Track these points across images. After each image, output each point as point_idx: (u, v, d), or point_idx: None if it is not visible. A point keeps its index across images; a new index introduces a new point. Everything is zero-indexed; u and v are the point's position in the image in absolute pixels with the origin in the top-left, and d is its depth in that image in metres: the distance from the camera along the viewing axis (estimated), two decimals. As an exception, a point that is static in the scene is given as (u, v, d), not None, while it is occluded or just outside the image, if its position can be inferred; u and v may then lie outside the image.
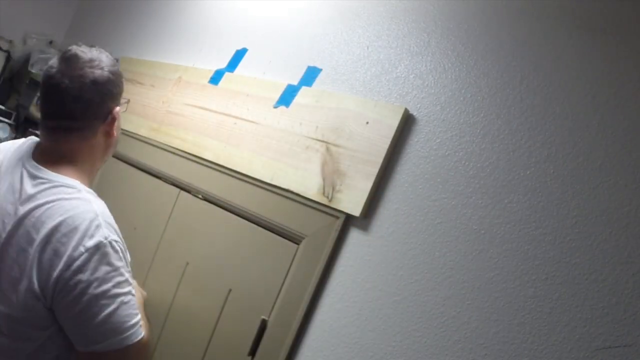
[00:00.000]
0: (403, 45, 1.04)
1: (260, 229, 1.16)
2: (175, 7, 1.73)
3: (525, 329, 0.77)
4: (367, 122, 1.01)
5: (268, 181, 1.15)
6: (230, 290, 1.17)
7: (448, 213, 0.89)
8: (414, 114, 0.98)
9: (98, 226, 0.88)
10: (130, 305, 0.90)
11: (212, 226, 1.27)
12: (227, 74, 1.38)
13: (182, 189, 1.39)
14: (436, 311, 0.86)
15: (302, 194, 1.07)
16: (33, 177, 0.93)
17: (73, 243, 0.85)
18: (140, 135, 1.58)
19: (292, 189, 1.09)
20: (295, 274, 1.05)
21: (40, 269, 0.85)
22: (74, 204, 0.90)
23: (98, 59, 0.99)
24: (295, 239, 1.08)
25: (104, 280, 0.87)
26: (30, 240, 0.87)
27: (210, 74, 1.42)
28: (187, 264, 1.29)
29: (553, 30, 0.86)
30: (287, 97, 1.19)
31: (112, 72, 1.00)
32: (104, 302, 0.86)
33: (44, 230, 0.86)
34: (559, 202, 0.79)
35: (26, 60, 2.12)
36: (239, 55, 1.39)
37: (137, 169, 1.57)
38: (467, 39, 0.95)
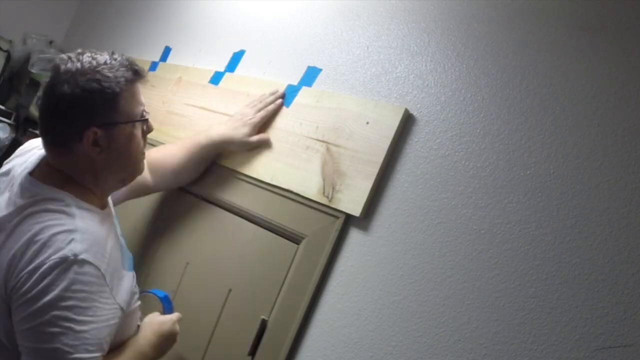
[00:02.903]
0: (403, 45, 1.04)
1: (260, 229, 1.16)
2: (176, 7, 1.73)
3: (525, 329, 0.77)
4: (367, 122, 1.01)
5: (268, 181, 1.15)
6: (230, 290, 1.17)
7: (448, 213, 0.89)
8: (414, 114, 0.98)
9: (71, 240, 0.81)
10: (81, 338, 0.79)
11: (212, 226, 1.27)
12: (227, 74, 1.39)
13: (182, 189, 1.39)
14: (436, 311, 0.86)
15: (302, 194, 1.07)
16: (25, 189, 0.90)
17: (38, 254, 0.80)
18: (140, 135, 1.57)
19: (292, 189, 1.09)
20: (295, 274, 1.05)
21: (6, 277, 0.82)
22: (54, 216, 0.85)
23: (75, 70, 0.87)
24: (295, 239, 1.08)
25: (57, 298, 0.78)
26: (9, 250, 0.83)
27: (211, 74, 1.42)
28: (187, 264, 1.29)
29: (553, 30, 0.86)
30: (287, 97, 1.19)
31: (82, 88, 0.86)
32: (48, 324, 0.78)
33: (19, 241, 0.82)
34: (559, 202, 0.79)
35: (26, 60, 2.12)
36: (237, 57, 1.39)
37: (137, 169, 1.57)
38: (467, 39, 0.95)
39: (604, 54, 0.80)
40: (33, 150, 1.00)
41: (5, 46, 2.13)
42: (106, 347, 0.86)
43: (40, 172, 0.92)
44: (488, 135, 0.88)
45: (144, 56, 1.75)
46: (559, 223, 0.78)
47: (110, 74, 0.89)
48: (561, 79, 0.83)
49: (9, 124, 2.13)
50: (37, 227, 0.82)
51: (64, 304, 0.79)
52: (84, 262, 0.81)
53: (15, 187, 0.91)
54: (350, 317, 0.96)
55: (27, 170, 0.93)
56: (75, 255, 0.80)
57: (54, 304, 0.78)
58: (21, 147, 1.06)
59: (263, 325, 1.07)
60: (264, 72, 1.30)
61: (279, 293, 1.07)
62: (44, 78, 2.09)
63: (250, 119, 1.19)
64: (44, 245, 0.81)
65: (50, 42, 2.28)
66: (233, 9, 1.50)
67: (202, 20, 1.60)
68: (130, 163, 0.97)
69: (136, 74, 0.94)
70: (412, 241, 0.92)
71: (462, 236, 0.86)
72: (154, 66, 1.66)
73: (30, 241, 0.82)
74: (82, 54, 0.92)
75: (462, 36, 0.96)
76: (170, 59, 1.64)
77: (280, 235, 1.11)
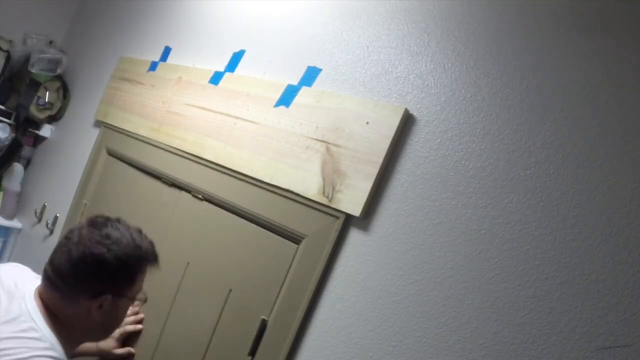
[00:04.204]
0: (403, 45, 1.04)
1: (260, 229, 1.16)
2: (176, 7, 1.73)
3: (525, 329, 0.77)
4: (367, 122, 1.01)
5: (268, 181, 1.15)
6: (230, 290, 1.17)
7: (448, 213, 0.89)
8: (414, 114, 0.98)
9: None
10: None
11: (212, 226, 1.27)
12: (227, 74, 1.38)
13: (182, 189, 1.39)
14: (436, 311, 0.86)
15: (302, 194, 1.07)
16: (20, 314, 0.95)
17: None
18: (140, 135, 1.58)
19: (292, 189, 1.09)
20: (295, 274, 1.05)
21: None
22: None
23: (117, 239, 0.97)
24: (295, 239, 1.08)
25: None
26: None
27: (211, 74, 1.42)
28: (188, 264, 1.29)
29: (553, 31, 0.86)
30: (287, 97, 1.19)
31: (120, 259, 0.97)
32: None
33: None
34: (559, 202, 0.79)
35: (26, 60, 2.12)
36: (237, 57, 1.39)
37: (137, 169, 1.57)
38: (467, 39, 0.95)
39: (604, 54, 0.80)
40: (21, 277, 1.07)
41: (5, 46, 2.13)
42: None
43: (40, 301, 0.98)
44: (488, 135, 0.88)
45: (144, 56, 1.75)
46: (559, 223, 0.78)
47: (139, 254, 1.01)
48: (561, 79, 0.83)
49: (9, 124, 2.13)
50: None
51: None
52: None
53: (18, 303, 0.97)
54: (350, 317, 0.96)
55: (32, 295, 0.99)
56: None
57: None
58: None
59: (263, 325, 1.07)
60: (264, 72, 1.30)
61: (279, 293, 1.07)
62: (44, 78, 2.09)
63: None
64: None
65: (50, 42, 2.28)
66: (233, 9, 1.50)
67: (202, 20, 1.60)
68: (112, 329, 1.09)
69: (156, 260, 1.07)
70: (412, 241, 0.92)
71: (462, 236, 0.86)
72: (154, 66, 1.66)
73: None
74: (119, 221, 1.03)
75: (462, 36, 0.96)
76: (170, 59, 1.64)
77: (280, 235, 1.11)
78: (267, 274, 1.11)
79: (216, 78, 1.40)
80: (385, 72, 1.05)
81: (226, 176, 1.26)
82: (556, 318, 0.75)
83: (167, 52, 1.67)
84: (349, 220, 1.01)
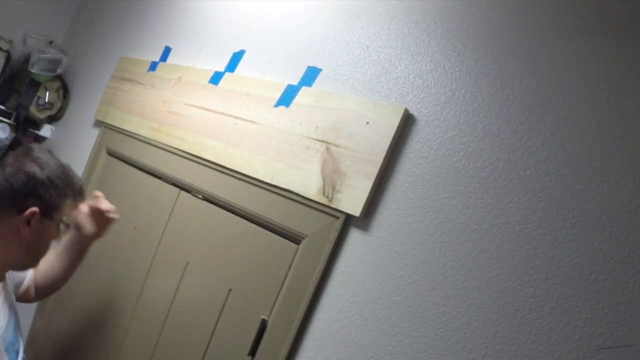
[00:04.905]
0: (403, 45, 1.04)
1: (260, 229, 1.16)
2: (176, 7, 1.73)
3: (525, 329, 0.77)
4: (367, 122, 1.01)
5: (268, 181, 1.15)
6: (230, 290, 1.17)
7: (448, 213, 0.89)
8: (414, 114, 0.98)
9: None
10: None
11: (212, 226, 1.27)
12: (227, 74, 1.38)
13: (182, 189, 1.39)
14: (436, 311, 0.86)
15: (302, 194, 1.07)
16: None
17: None
18: (140, 135, 1.58)
19: (292, 189, 1.09)
20: (295, 274, 1.05)
21: None
22: None
23: (47, 162, 1.07)
24: (295, 239, 1.08)
25: None
26: None
27: (211, 74, 1.42)
28: (187, 264, 1.29)
29: (553, 31, 0.86)
30: (287, 97, 1.19)
31: (49, 178, 1.05)
32: None
33: None
34: (559, 202, 0.79)
35: (26, 60, 2.12)
36: (237, 57, 1.39)
37: (137, 169, 1.57)
38: (467, 39, 0.95)
39: (604, 54, 0.80)
40: None
41: (5, 46, 2.13)
42: None
43: None
44: (488, 135, 0.88)
45: (144, 56, 1.75)
46: (559, 223, 0.78)
47: (66, 182, 1.09)
48: (561, 79, 0.83)
49: (9, 124, 2.13)
50: None
51: None
52: None
53: None
54: (350, 317, 0.96)
55: None
56: None
57: None
58: None
59: (263, 325, 1.07)
60: (264, 72, 1.30)
61: (279, 293, 1.07)
62: (44, 78, 2.09)
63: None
64: None
65: (50, 42, 2.28)
66: (233, 9, 1.50)
67: (202, 20, 1.60)
68: (39, 254, 1.12)
69: (81, 193, 1.16)
70: (412, 241, 0.92)
71: (462, 236, 0.86)
72: (154, 66, 1.66)
73: None
74: (50, 152, 1.12)
75: (462, 36, 0.96)
76: (170, 59, 1.64)
77: (280, 235, 1.11)
78: (267, 274, 1.11)
79: (216, 78, 1.40)
80: (385, 72, 1.05)
81: (226, 176, 1.26)
82: (556, 318, 0.75)
83: (167, 52, 1.67)
84: (349, 220, 1.01)
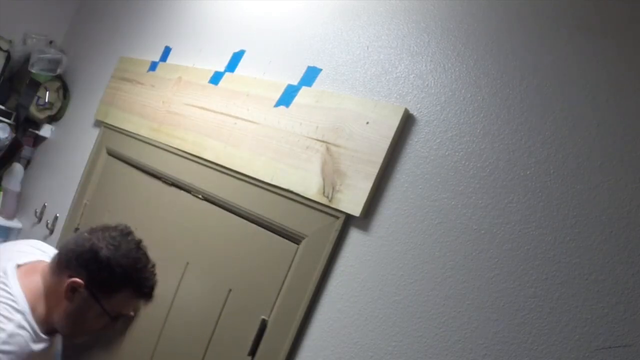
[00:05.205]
0: (403, 45, 1.04)
1: (260, 229, 1.16)
2: (176, 7, 1.73)
3: (525, 329, 0.77)
4: (367, 122, 1.01)
5: (268, 181, 1.15)
6: (230, 290, 1.17)
7: (448, 213, 0.89)
8: (414, 114, 0.98)
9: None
10: None
11: (212, 226, 1.27)
12: (227, 74, 1.38)
13: (182, 189, 1.39)
14: (436, 311, 0.86)
15: (302, 194, 1.07)
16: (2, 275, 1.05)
17: None
18: (140, 135, 1.58)
19: (292, 189, 1.09)
20: (295, 274, 1.05)
21: None
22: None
23: (121, 247, 1.07)
24: (295, 239, 1.08)
25: None
26: None
27: (211, 74, 1.42)
28: (187, 264, 1.29)
29: (553, 31, 0.86)
30: (287, 97, 1.19)
31: (110, 261, 1.05)
32: None
33: None
34: (559, 202, 0.79)
35: (26, 60, 2.12)
36: (237, 57, 1.39)
37: (137, 169, 1.57)
38: (467, 39, 0.95)
39: (604, 54, 0.80)
40: (30, 248, 1.21)
41: (5, 46, 2.13)
42: None
43: (26, 270, 1.09)
44: (488, 135, 0.88)
45: (144, 56, 1.75)
46: (559, 223, 0.78)
47: (131, 271, 1.08)
48: (561, 79, 0.83)
49: (9, 124, 2.13)
50: None
51: None
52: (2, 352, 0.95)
53: None
54: (350, 317, 0.96)
55: (15, 262, 1.10)
56: None
57: None
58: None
59: (263, 325, 1.07)
60: (264, 72, 1.30)
61: (279, 293, 1.07)
62: (44, 78, 2.09)
63: None
64: None
65: (50, 42, 2.28)
66: (233, 9, 1.50)
67: (202, 20, 1.60)
68: (79, 331, 1.12)
69: (148, 295, 1.15)
70: (412, 241, 0.92)
71: (462, 236, 0.86)
72: (154, 66, 1.66)
73: None
74: (139, 244, 1.14)
75: (462, 36, 0.96)
76: (170, 59, 1.64)
77: (280, 235, 1.11)
78: (267, 274, 1.11)
79: (216, 78, 1.40)
80: (385, 72, 1.05)
81: (226, 176, 1.26)
82: (556, 318, 0.75)
83: (167, 52, 1.67)
84: (349, 220, 1.01)
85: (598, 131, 0.78)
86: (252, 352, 1.07)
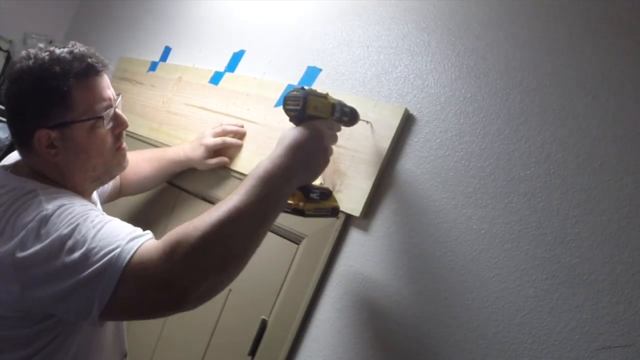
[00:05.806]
0: (403, 45, 1.04)
1: (260, 229, 1.16)
2: (176, 7, 1.73)
3: (525, 329, 0.77)
4: (367, 122, 1.01)
5: (268, 181, 1.14)
6: (230, 290, 1.17)
7: (448, 213, 0.89)
8: (414, 114, 0.98)
9: (40, 202, 0.78)
10: (96, 239, 0.75)
11: (212, 226, 1.27)
12: (227, 74, 1.38)
13: (182, 189, 1.39)
14: (436, 311, 0.86)
15: (302, 194, 1.07)
16: None
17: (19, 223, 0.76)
18: (140, 135, 1.57)
19: (292, 189, 1.09)
20: (295, 274, 1.05)
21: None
22: (27, 204, 0.79)
23: (27, 69, 0.83)
24: (295, 239, 1.08)
25: (60, 236, 0.73)
26: None
27: (211, 74, 1.42)
28: (187, 264, 1.29)
29: (553, 31, 0.86)
30: (287, 97, 1.19)
31: (32, 87, 0.82)
32: (69, 251, 0.72)
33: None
34: (559, 202, 0.79)
35: (26, 60, 2.12)
36: (237, 57, 1.39)
37: (137, 169, 1.57)
38: (467, 39, 0.95)
39: (604, 54, 0.80)
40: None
41: (5, 46, 2.13)
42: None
43: (15, 167, 0.90)
44: (488, 135, 0.88)
45: (144, 56, 1.75)
46: (559, 223, 0.78)
47: (59, 71, 0.83)
48: (561, 79, 0.83)
49: (9, 124, 2.12)
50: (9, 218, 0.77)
51: (65, 231, 0.74)
52: (62, 205, 0.78)
53: None
54: (350, 317, 0.96)
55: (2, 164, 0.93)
56: (47, 209, 0.76)
57: (63, 238, 0.73)
58: None
59: (263, 325, 1.07)
60: (264, 72, 1.30)
61: (279, 293, 1.07)
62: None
63: (204, 140, 1.23)
64: (23, 224, 0.76)
65: (50, 42, 2.28)
66: (233, 9, 1.50)
67: (202, 20, 1.60)
68: (99, 162, 0.90)
69: (89, 68, 0.86)
70: (412, 241, 0.92)
71: (462, 236, 0.86)
72: (154, 66, 1.66)
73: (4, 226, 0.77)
74: (42, 50, 0.86)
75: (462, 36, 0.96)
76: (170, 59, 1.64)
77: (280, 235, 1.11)
78: (267, 274, 1.11)
79: (216, 78, 1.40)
80: (385, 72, 1.05)
81: (226, 176, 1.26)
82: (556, 318, 0.75)
83: (167, 52, 1.67)
84: (349, 220, 1.01)
85: (598, 131, 0.78)
86: (252, 352, 1.07)
